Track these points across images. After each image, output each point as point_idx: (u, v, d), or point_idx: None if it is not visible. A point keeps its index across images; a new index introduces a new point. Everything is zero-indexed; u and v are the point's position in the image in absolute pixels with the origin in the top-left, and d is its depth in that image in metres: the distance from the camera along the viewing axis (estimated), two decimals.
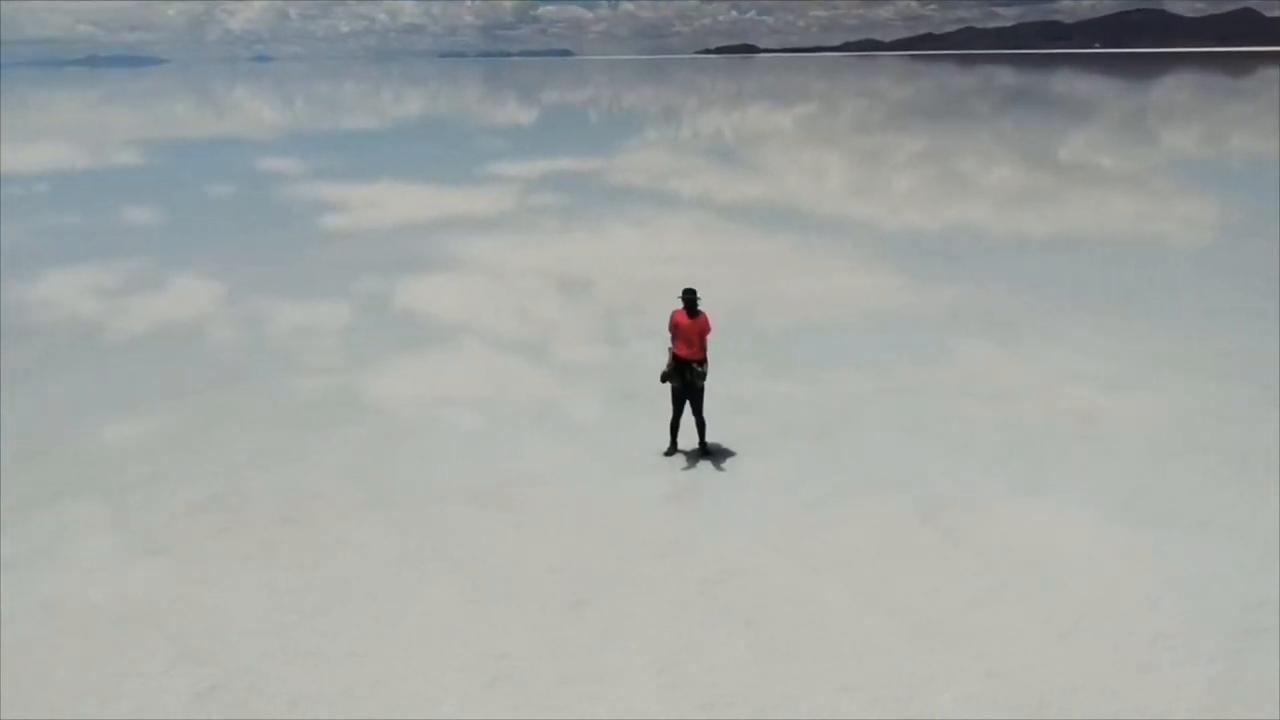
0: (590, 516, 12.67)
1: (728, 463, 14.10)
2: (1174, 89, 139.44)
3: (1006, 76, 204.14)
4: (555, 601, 10.76)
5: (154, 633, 10.30)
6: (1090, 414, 15.95)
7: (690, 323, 13.57)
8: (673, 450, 14.30)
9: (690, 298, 13.61)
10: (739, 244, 30.42)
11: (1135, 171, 47.58)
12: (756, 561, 11.46)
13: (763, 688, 9.31)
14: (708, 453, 14.20)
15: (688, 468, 13.99)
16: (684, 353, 13.59)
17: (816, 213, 36.32)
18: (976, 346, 19.66)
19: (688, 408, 14.05)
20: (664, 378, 13.74)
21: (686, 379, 13.66)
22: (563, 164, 52.74)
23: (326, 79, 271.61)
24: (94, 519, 12.86)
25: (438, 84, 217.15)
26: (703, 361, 13.61)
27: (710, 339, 13.78)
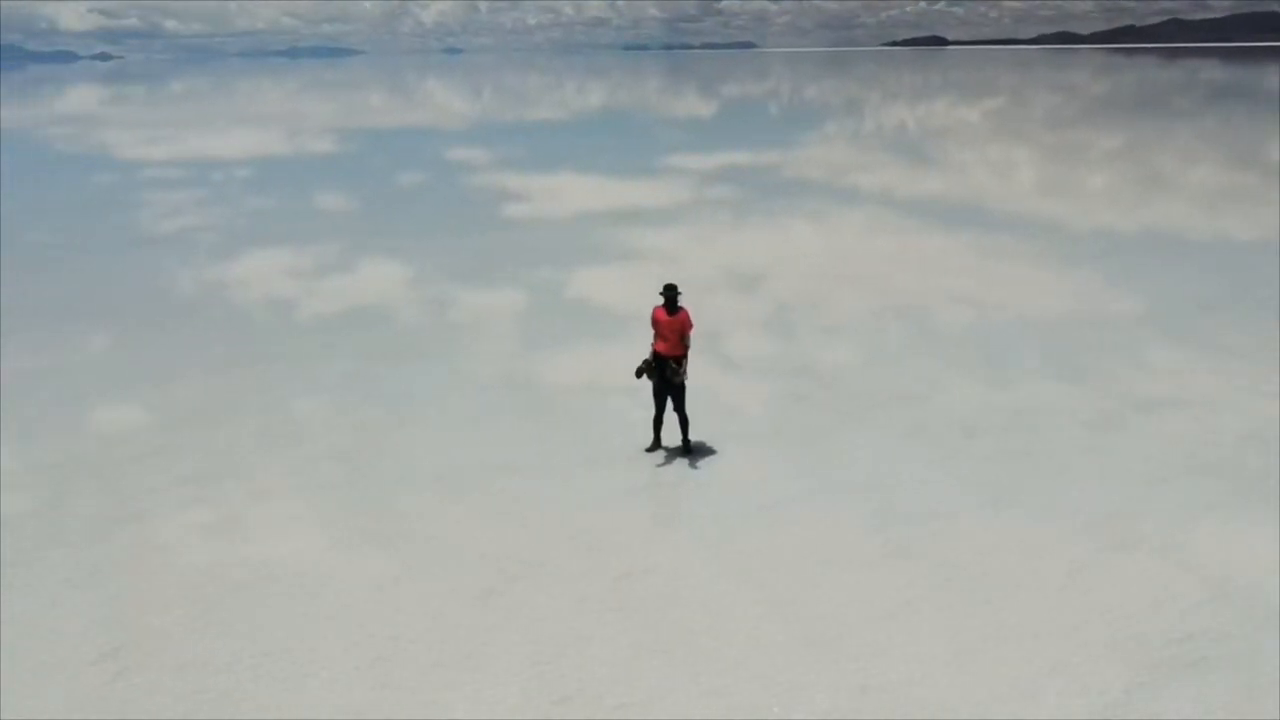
0: (539, 507, 12.72)
1: (704, 461, 14.02)
2: None
3: (1214, 71, 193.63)
4: (469, 588, 10.90)
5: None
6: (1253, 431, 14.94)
7: (669, 319, 13.52)
8: (654, 446, 14.23)
9: (670, 294, 13.56)
10: (917, 241, 29.75)
11: None
12: (682, 561, 11.40)
13: (626, 685, 9.27)
14: (689, 450, 14.09)
15: (662, 464, 13.95)
16: (663, 349, 13.54)
17: (1001, 211, 35.19)
18: (1161, 354, 18.70)
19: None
20: (638, 373, 13.68)
21: (665, 376, 13.58)
22: (741, 157, 52.57)
23: (513, 71, 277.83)
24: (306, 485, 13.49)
25: (620, 76, 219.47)
26: (680, 359, 13.53)
27: (694, 335, 13.84)
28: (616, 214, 34.93)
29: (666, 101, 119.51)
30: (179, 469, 14.12)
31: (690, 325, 13.58)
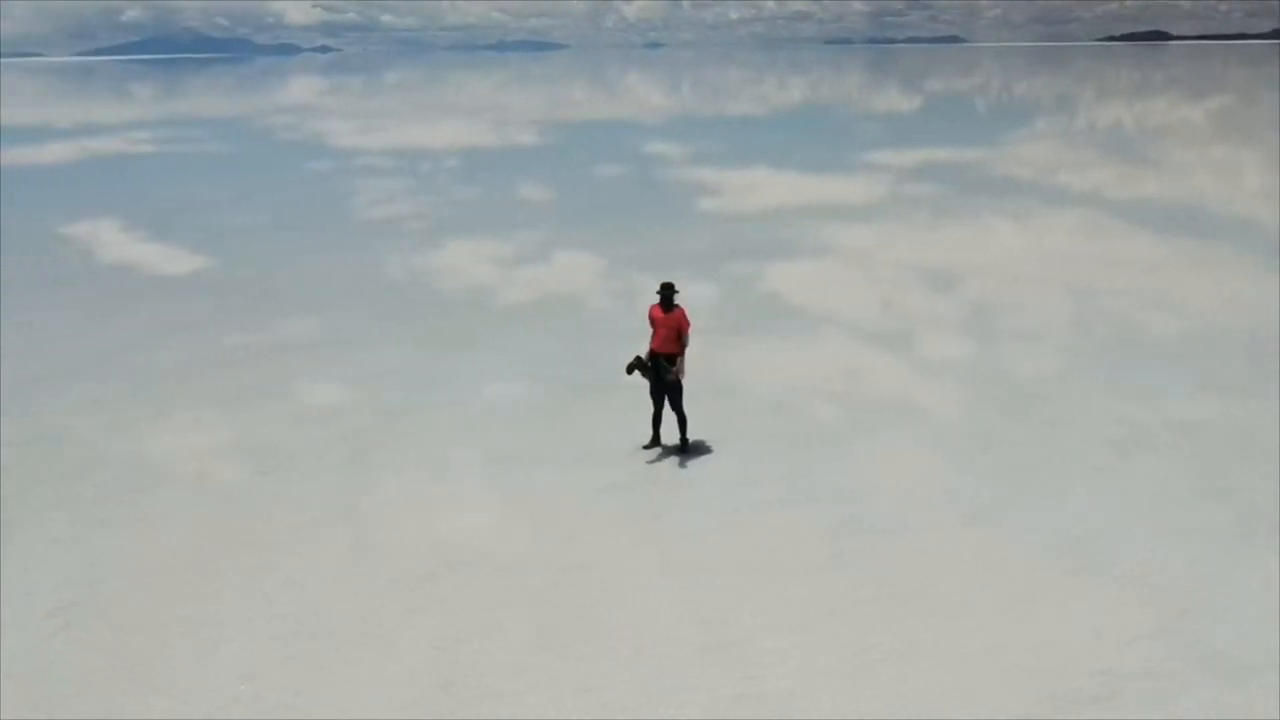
0: (522, 500, 12.82)
1: (695, 461, 13.91)
2: None
3: None
4: (409, 575, 11.11)
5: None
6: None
7: (665, 317, 13.54)
8: (652, 444, 14.17)
9: (666, 292, 13.58)
10: (1128, 245, 28.41)
11: None
12: (623, 559, 11.37)
13: (511, 676, 9.41)
14: (685, 449, 14.05)
15: (653, 461, 13.91)
16: (658, 347, 13.55)
17: (1222, 215, 33.26)
18: None
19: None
20: (629, 369, 13.69)
21: (659, 374, 13.56)
22: (944, 154, 51.29)
23: (713, 65, 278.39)
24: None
25: (821, 71, 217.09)
26: (673, 357, 13.49)
27: (690, 334, 13.80)
28: (812, 209, 34.63)
29: (868, 97, 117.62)
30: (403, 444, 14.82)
31: (686, 324, 13.58)
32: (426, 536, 11.98)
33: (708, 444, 14.43)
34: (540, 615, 10.37)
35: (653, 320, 13.73)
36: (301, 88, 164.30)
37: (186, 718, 8.98)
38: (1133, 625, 10.01)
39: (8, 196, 41.49)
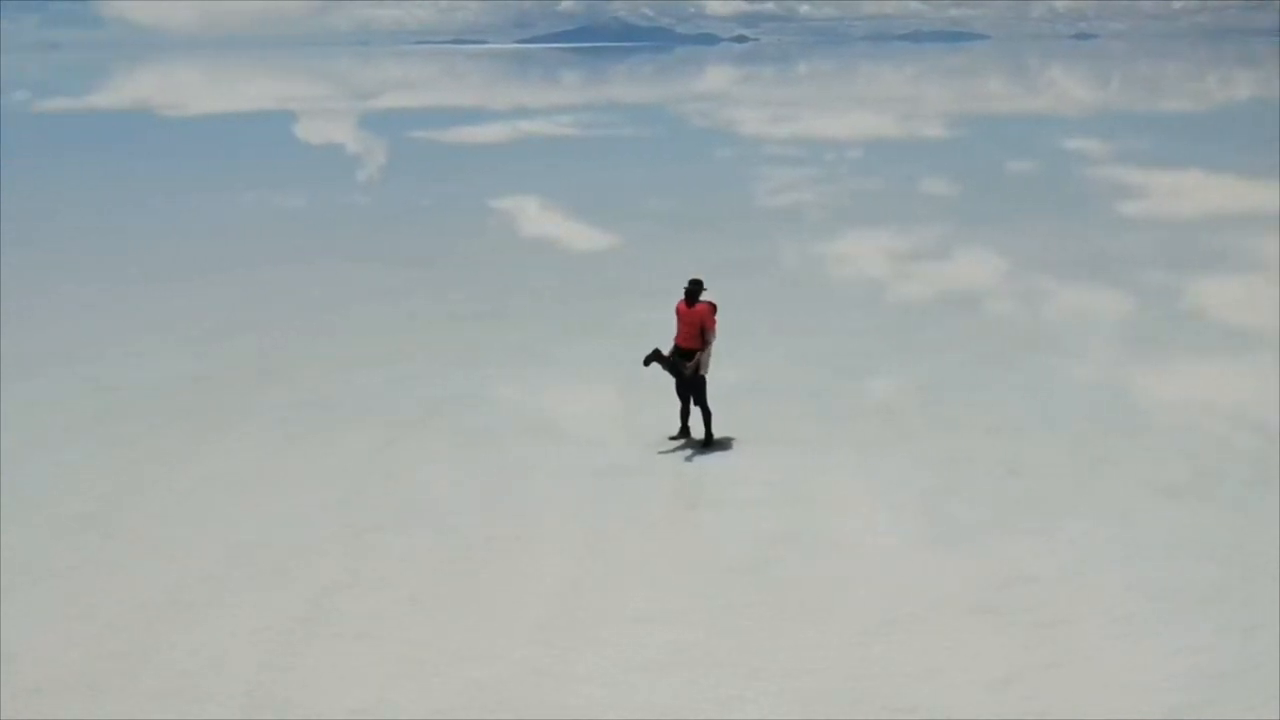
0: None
1: (705, 457, 13.78)
2: None
3: None
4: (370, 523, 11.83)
5: None
6: None
7: (688, 311, 13.49)
8: (680, 435, 14.20)
9: (692, 287, 13.49)
10: None
11: None
12: (541, 545, 11.51)
13: (349, 619, 9.90)
14: (709, 444, 13.96)
15: (667, 452, 13.91)
16: (680, 342, 13.55)
17: None
18: None
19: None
20: (645, 361, 13.66)
21: (679, 369, 13.52)
22: None
23: (1148, 58, 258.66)
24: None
25: (1274, 66, 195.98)
26: (692, 352, 13.40)
27: (715, 330, 13.56)
28: (1252, 219, 31.24)
29: None
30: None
31: (710, 320, 13.44)
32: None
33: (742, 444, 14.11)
34: (412, 592, 10.54)
35: (678, 315, 13.66)
36: (716, 76, 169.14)
37: None
38: None
39: (447, 172, 45.68)
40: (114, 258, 27.59)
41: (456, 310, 21.57)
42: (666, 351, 13.71)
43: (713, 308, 13.55)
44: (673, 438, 14.17)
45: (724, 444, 14.07)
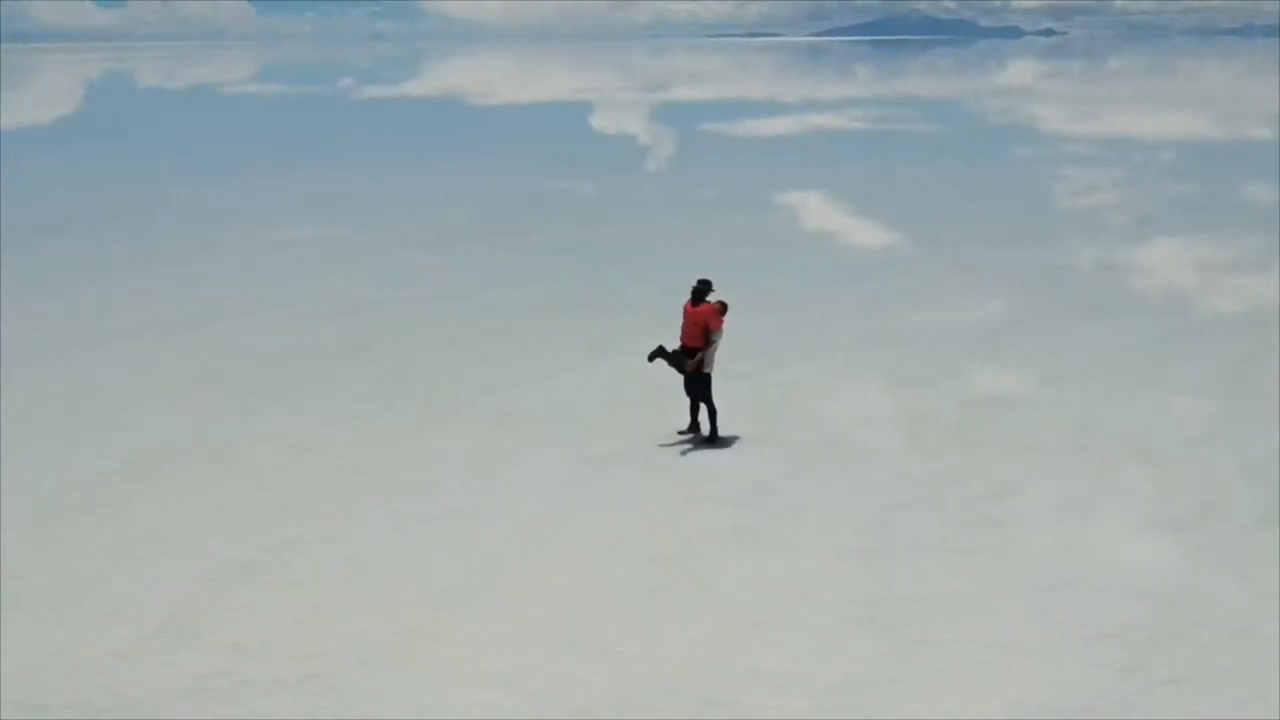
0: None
1: (700, 453, 13.89)
2: None
3: None
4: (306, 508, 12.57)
5: None
6: None
7: (692, 311, 13.69)
8: (689, 429, 14.30)
9: (700, 287, 13.75)
10: None
11: None
12: (492, 519, 12.04)
13: (228, 612, 10.16)
14: (713, 440, 14.08)
15: (667, 445, 14.08)
16: (685, 340, 13.75)
17: None
18: None
19: None
20: (650, 357, 13.95)
21: (679, 366, 13.78)
22: None
23: None
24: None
25: None
26: (694, 351, 13.62)
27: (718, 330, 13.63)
28: None
29: None
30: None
31: (714, 319, 13.58)
32: None
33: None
34: (360, 539, 11.55)
35: (684, 313, 13.82)
36: (1018, 71, 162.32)
37: None
38: None
39: (732, 163, 45.90)
40: (341, 227, 29.37)
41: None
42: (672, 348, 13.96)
43: (722, 307, 13.71)
44: (681, 432, 14.34)
45: (727, 442, 14.11)
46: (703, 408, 14.13)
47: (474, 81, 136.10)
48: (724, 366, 14.27)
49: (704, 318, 13.58)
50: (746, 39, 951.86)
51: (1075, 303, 21.52)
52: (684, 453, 13.91)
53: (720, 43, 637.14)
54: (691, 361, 13.62)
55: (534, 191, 37.43)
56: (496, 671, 9.19)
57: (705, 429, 14.18)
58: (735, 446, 14.01)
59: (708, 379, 13.81)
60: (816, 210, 33.38)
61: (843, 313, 20.87)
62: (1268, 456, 13.52)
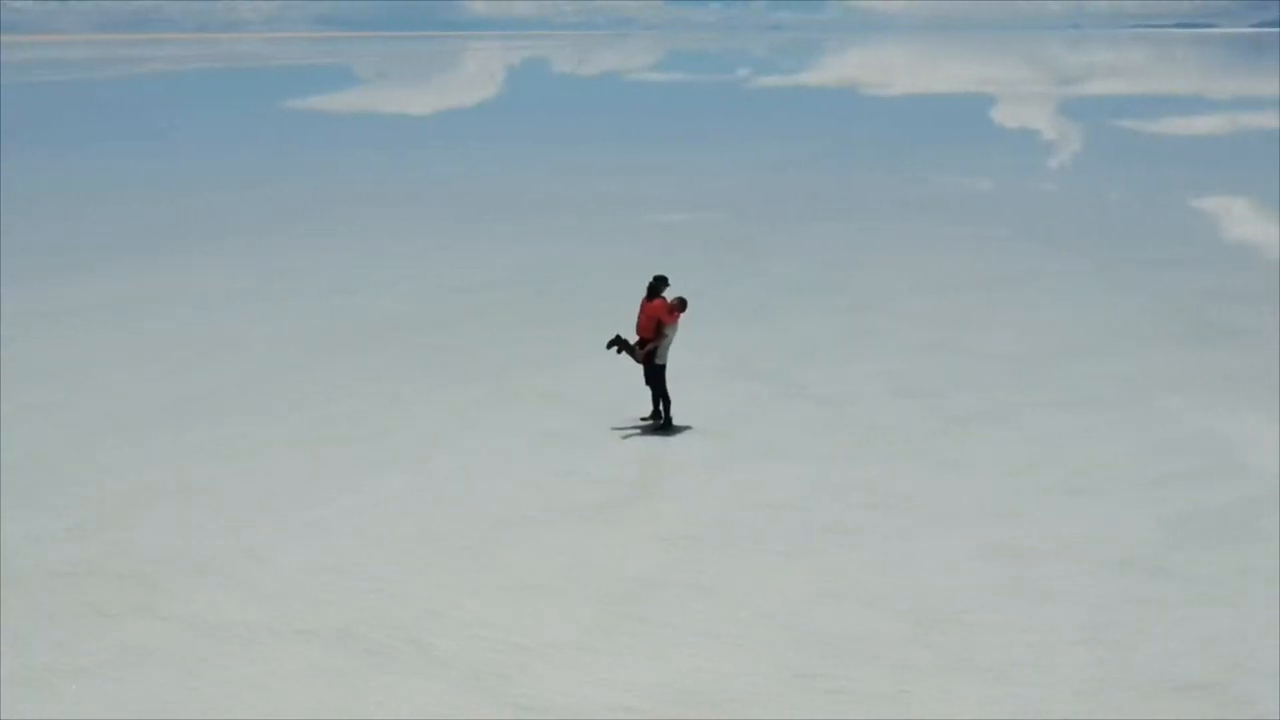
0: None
1: (645, 439, 14.26)
2: None
3: None
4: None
5: None
6: None
7: (647, 305, 14.26)
8: (649, 418, 14.65)
9: (654, 283, 14.31)
10: None
11: None
12: (408, 472, 12.90)
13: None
14: (662, 428, 14.52)
15: (620, 428, 14.47)
16: (638, 332, 14.30)
17: None
18: None
19: None
20: (609, 345, 14.65)
21: (632, 355, 14.42)
22: None
23: None
24: None
25: None
26: (644, 343, 14.20)
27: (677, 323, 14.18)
28: None
29: None
30: None
31: (664, 314, 14.08)
32: None
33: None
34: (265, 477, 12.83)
35: (640, 308, 14.36)
36: None
37: None
38: None
39: (1146, 163, 41.77)
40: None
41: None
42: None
43: (680, 304, 14.28)
44: (643, 419, 14.77)
45: (679, 430, 14.42)
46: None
47: (874, 71, 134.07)
48: None
49: (657, 312, 14.16)
50: (1176, 30, 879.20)
51: None
52: (627, 436, 14.37)
53: (1146, 34, 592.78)
54: (642, 352, 14.26)
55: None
56: (268, 593, 10.27)
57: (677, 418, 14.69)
58: (685, 437, 14.24)
59: (661, 370, 14.38)
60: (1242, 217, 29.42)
61: None
62: None
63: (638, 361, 14.39)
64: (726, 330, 18.46)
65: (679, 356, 14.44)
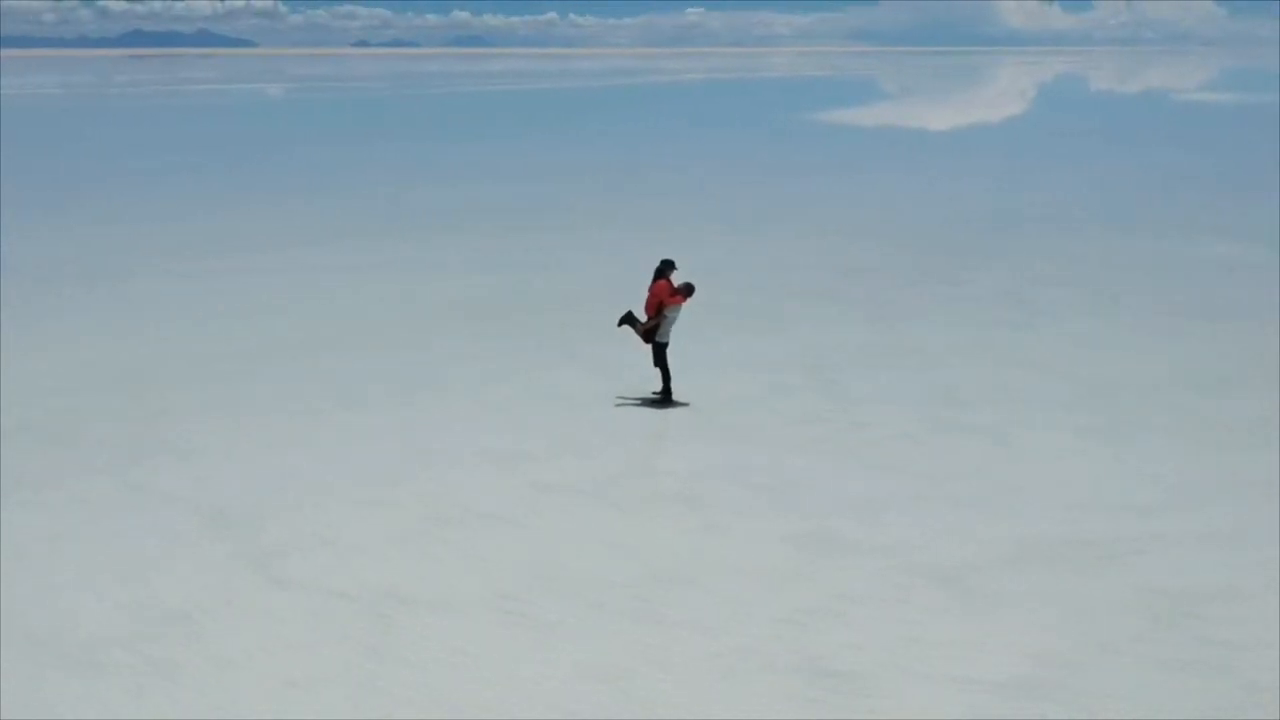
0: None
1: (642, 410, 15.02)
2: None
3: None
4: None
5: None
6: None
7: (651, 286, 14.99)
8: (660, 393, 15.33)
9: (661, 266, 15.00)
10: None
11: None
12: (401, 428, 14.16)
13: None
14: (665, 401, 15.20)
15: (626, 398, 15.36)
16: (646, 311, 15.03)
17: None
18: None
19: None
20: (619, 322, 15.37)
21: (637, 332, 15.20)
22: None
23: None
24: None
25: None
26: (647, 319, 14.97)
27: (685, 305, 14.92)
28: None
29: None
30: None
31: (666, 295, 14.71)
32: None
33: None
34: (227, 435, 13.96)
35: (649, 289, 15.12)
36: None
37: None
38: None
39: None
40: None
41: None
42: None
43: (687, 289, 14.86)
44: (655, 393, 15.37)
45: (678, 404, 15.08)
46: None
47: None
48: None
49: (655, 291, 14.82)
50: None
51: None
52: (622, 404, 15.19)
53: None
54: (642, 326, 14.94)
55: None
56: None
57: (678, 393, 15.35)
58: (680, 413, 14.85)
59: (662, 347, 15.02)
60: None
61: None
62: None
63: (641, 337, 15.15)
64: None
65: None
